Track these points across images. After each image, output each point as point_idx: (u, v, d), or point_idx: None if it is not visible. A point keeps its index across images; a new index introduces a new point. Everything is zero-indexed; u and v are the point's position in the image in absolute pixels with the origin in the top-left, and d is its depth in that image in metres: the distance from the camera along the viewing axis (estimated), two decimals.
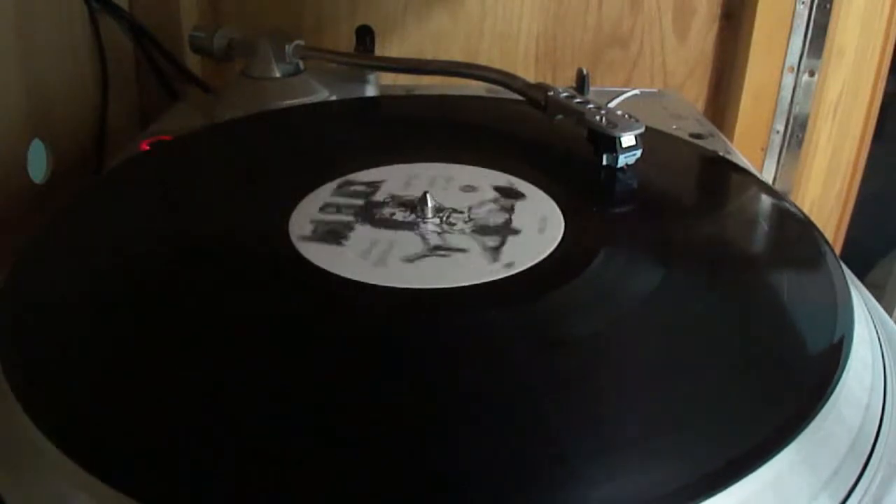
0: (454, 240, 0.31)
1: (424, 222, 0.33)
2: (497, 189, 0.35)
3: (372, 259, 0.30)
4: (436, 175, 0.37)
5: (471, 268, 0.29)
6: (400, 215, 0.34)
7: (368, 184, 0.36)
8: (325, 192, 0.36)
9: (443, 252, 0.31)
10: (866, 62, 0.67)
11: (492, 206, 0.34)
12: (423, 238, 0.32)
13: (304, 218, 0.33)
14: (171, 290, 0.29)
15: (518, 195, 0.35)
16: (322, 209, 0.34)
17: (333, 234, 0.32)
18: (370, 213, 0.34)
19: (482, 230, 0.32)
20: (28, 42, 0.48)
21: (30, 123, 0.48)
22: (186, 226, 0.34)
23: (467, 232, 0.32)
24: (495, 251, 0.30)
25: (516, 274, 0.29)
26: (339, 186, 0.36)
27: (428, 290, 0.28)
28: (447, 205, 0.34)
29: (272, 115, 0.48)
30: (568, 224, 0.33)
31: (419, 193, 0.34)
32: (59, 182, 0.51)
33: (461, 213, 0.33)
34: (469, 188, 0.35)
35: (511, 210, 0.34)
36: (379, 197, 0.35)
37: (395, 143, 0.43)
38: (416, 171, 0.38)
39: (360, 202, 0.35)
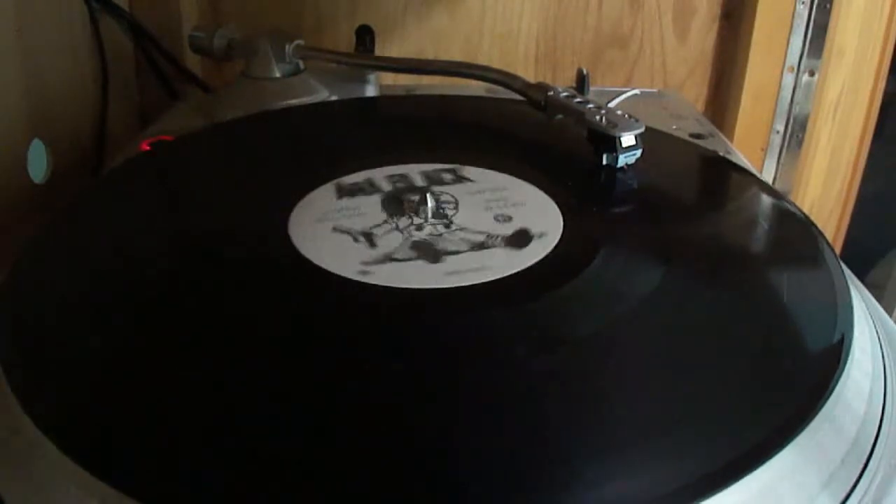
0: (388, 238, 0.31)
1: (408, 216, 0.33)
2: (516, 231, 0.32)
3: (323, 216, 0.33)
4: (504, 197, 0.35)
5: (345, 257, 0.30)
6: (408, 204, 0.34)
7: (458, 177, 0.37)
8: (416, 168, 0.38)
9: (362, 238, 0.31)
10: (866, 62, 0.67)
11: (478, 238, 0.32)
12: (380, 224, 0.32)
13: (352, 179, 0.37)
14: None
15: (520, 244, 0.31)
16: (390, 176, 0.37)
17: (346, 191, 0.35)
18: (400, 193, 0.35)
19: (419, 245, 0.31)
20: (28, 42, 0.48)
21: (30, 123, 0.48)
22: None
23: (408, 240, 0.31)
24: (381, 262, 0.30)
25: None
26: (445, 170, 0.38)
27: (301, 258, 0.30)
28: (455, 218, 0.33)
29: (272, 115, 0.48)
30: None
31: (461, 198, 0.35)
32: (59, 182, 0.51)
33: (446, 228, 0.33)
34: (504, 218, 0.33)
35: (481, 249, 0.31)
36: (436, 188, 0.36)
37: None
38: (503, 184, 0.37)
39: (420, 184, 0.36)
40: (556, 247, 0.31)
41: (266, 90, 0.52)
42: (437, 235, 0.32)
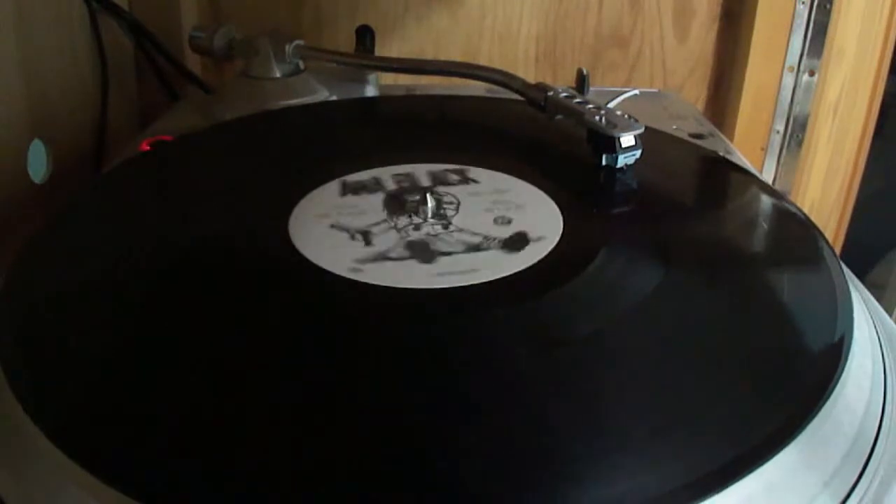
0: (385, 237, 0.32)
1: (408, 216, 0.33)
2: (514, 235, 0.32)
3: (324, 213, 0.33)
4: (507, 199, 0.35)
5: (339, 254, 0.30)
6: (409, 203, 0.34)
7: (465, 178, 0.37)
8: (423, 168, 0.38)
9: (359, 236, 0.31)
10: (866, 62, 0.67)
11: (474, 240, 0.32)
12: (378, 223, 0.33)
13: (358, 177, 0.37)
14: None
15: (516, 248, 0.31)
16: (396, 175, 0.37)
17: (352, 188, 0.36)
18: (403, 193, 0.35)
19: (413, 245, 0.31)
20: (28, 42, 0.48)
21: (30, 123, 0.48)
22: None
23: (404, 239, 0.31)
24: (374, 260, 0.30)
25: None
26: (452, 171, 0.38)
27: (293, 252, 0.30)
28: (455, 219, 0.33)
29: (272, 115, 0.48)
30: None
31: (464, 200, 0.35)
32: (59, 182, 0.51)
33: (444, 229, 0.33)
34: (504, 220, 0.33)
35: (476, 251, 0.31)
36: (441, 189, 0.36)
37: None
38: (507, 186, 0.36)
39: (426, 184, 0.36)
40: (552, 251, 0.31)
41: (266, 90, 0.52)
42: (433, 236, 0.32)
